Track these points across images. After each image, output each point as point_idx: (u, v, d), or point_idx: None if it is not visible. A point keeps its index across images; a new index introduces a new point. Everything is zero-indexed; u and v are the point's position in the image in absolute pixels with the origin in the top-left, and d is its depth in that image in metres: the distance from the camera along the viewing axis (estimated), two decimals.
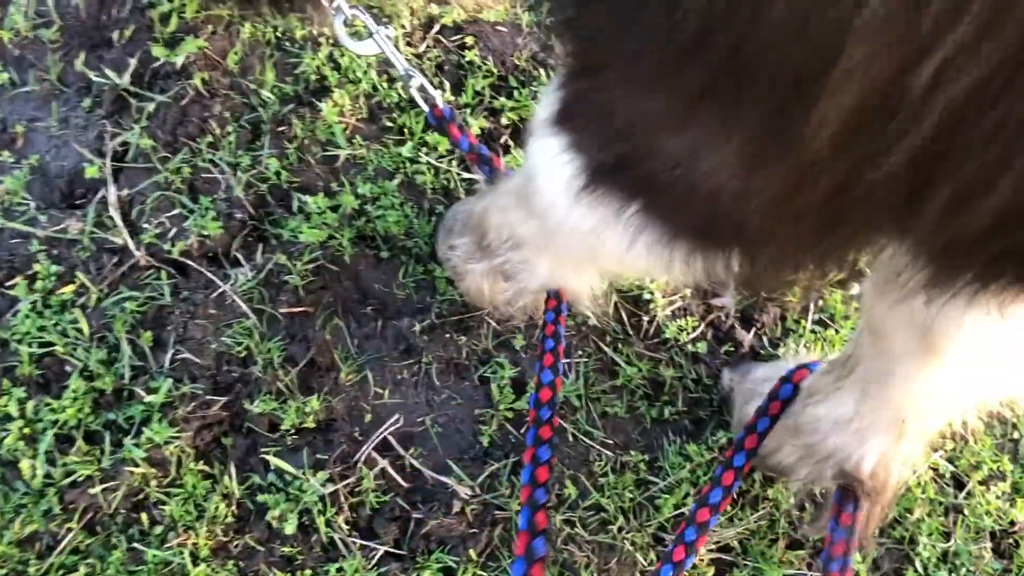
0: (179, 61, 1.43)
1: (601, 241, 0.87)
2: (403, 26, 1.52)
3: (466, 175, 1.43)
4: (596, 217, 0.84)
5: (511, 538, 1.23)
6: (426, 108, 1.32)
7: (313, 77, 1.46)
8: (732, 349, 1.40)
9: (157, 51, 1.43)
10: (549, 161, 0.87)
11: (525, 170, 1.02)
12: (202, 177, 1.37)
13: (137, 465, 1.20)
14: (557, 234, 0.96)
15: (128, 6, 1.48)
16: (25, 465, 1.19)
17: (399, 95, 1.46)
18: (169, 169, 1.36)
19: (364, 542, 1.21)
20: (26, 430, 1.21)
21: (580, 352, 1.37)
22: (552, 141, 0.85)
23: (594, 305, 1.31)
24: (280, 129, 1.42)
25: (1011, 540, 1.36)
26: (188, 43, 1.44)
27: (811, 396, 1.16)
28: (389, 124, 1.44)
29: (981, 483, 1.38)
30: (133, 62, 1.43)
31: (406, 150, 1.42)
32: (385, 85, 1.46)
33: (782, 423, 1.18)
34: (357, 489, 1.23)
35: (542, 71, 1.53)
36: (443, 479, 1.25)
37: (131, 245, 1.32)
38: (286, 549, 1.19)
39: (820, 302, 1.46)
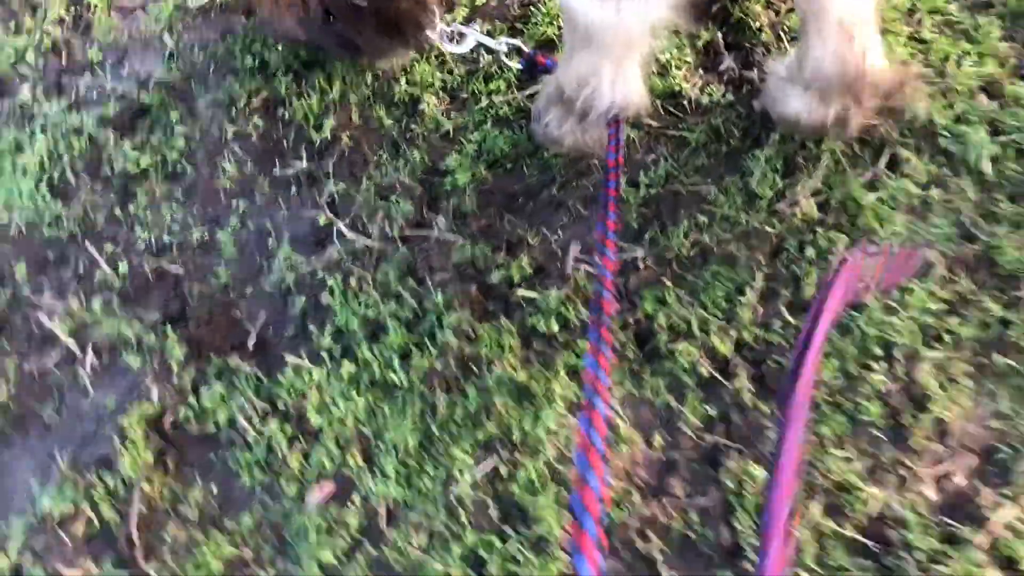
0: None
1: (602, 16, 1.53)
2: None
3: None
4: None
5: None
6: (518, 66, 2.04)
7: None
8: (749, 86, 2.01)
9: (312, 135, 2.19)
10: None
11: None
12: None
13: None
14: (587, 32, 1.63)
15: None
16: None
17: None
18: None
19: None
20: None
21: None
22: None
23: (644, 109, 1.95)
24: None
25: None
26: (327, 123, 2.19)
27: None
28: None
29: None
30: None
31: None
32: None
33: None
34: None
35: None
36: None
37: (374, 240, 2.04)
38: None
39: (785, 27, 2.07)
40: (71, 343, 2.09)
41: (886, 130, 1.89)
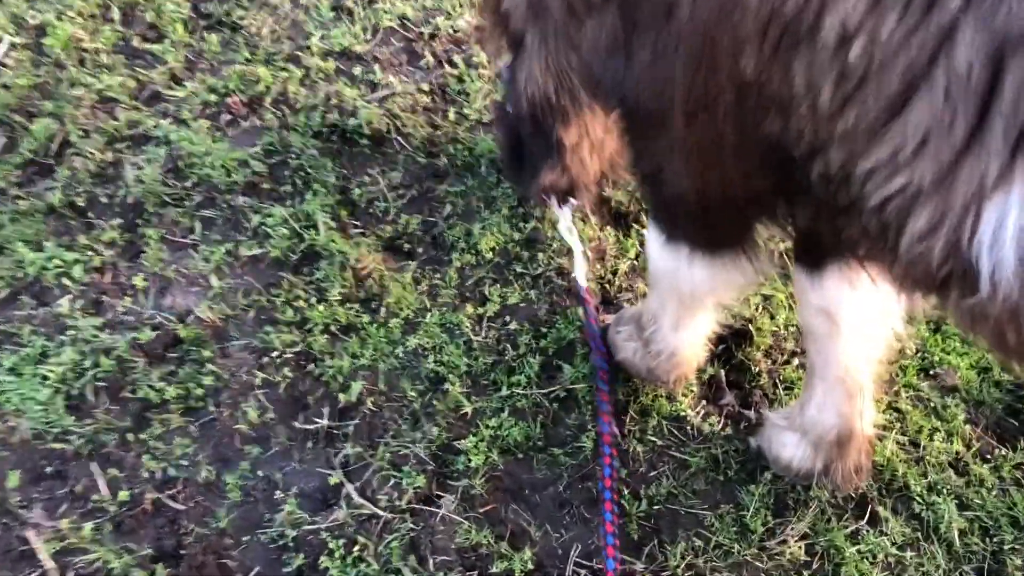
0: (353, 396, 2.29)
1: (677, 272, 1.74)
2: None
3: None
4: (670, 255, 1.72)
5: None
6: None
7: None
8: (747, 424, 2.23)
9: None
10: (650, 239, 1.78)
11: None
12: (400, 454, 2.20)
13: None
14: (660, 279, 1.83)
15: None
16: None
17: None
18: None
19: None
20: None
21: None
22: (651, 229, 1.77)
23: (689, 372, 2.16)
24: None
25: None
26: (355, 386, 2.31)
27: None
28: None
29: None
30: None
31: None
32: None
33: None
34: None
35: None
36: None
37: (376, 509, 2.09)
38: None
39: (780, 377, 2.32)
40: (51, 566, 2.03)
41: (867, 486, 2.10)
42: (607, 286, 2.50)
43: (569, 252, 2.41)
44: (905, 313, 1.80)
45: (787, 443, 2.07)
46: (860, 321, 1.74)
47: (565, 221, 2.33)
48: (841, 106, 1.11)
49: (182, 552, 2.06)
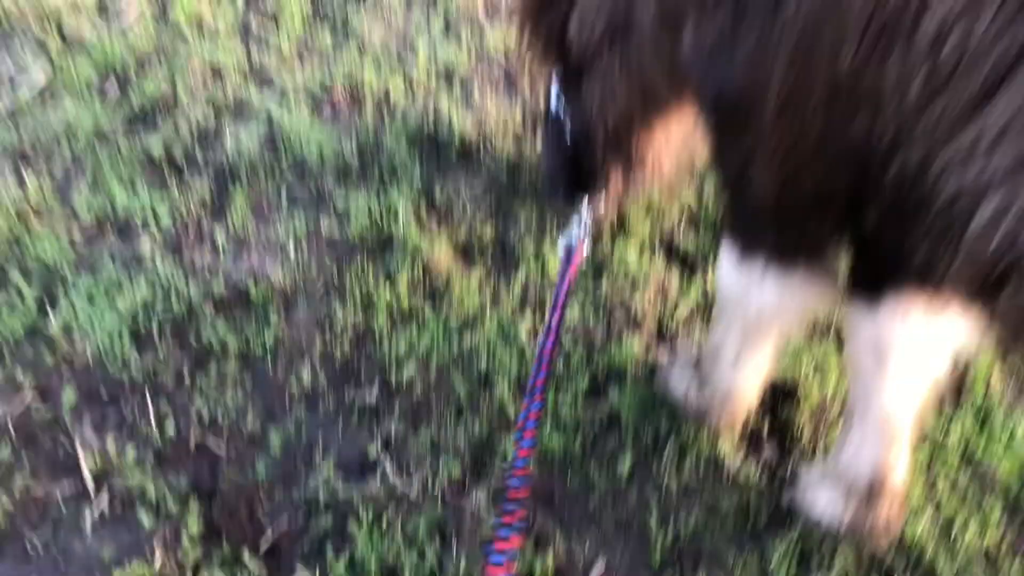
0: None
1: (747, 292, 1.79)
2: None
3: None
4: (742, 274, 1.76)
5: None
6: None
7: None
8: (783, 480, 2.24)
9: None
10: (723, 259, 1.83)
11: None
12: None
13: None
14: (727, 304, 1.87)
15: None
16: None
17: None
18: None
19: None
20: None
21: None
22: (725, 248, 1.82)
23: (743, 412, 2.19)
24: None
25: None
26: (407, 369, 2.37)
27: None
28: None
29: None
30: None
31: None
32: None
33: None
34: None
35: None
36: None
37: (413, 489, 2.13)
38: None
39: (822, 440, 2.34)
40: (89, 480, 2.09)
41: (894, 558, 2.09)
42: (665, 325, 2.55)
43: (629, 280, 2.48)
44: (956, 354, 1.83)
45: (818, 489, 2.08)
46: (909, 359, 1.77)
47: (584, 217, 2.41)
48: (928, 101, 1.19)
49: (216, 494, 2.10)
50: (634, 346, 2.44)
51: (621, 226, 2.68)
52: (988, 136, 1.15)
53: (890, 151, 1.32)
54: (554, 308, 2.06)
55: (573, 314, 2.51)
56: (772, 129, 1.47)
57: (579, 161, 2.32)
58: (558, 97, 2.27)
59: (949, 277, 1.35)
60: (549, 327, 1.99)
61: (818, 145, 1.45)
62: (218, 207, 2.68)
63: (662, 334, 2.54)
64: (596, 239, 2.63)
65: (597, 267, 2.62)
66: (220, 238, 2.59)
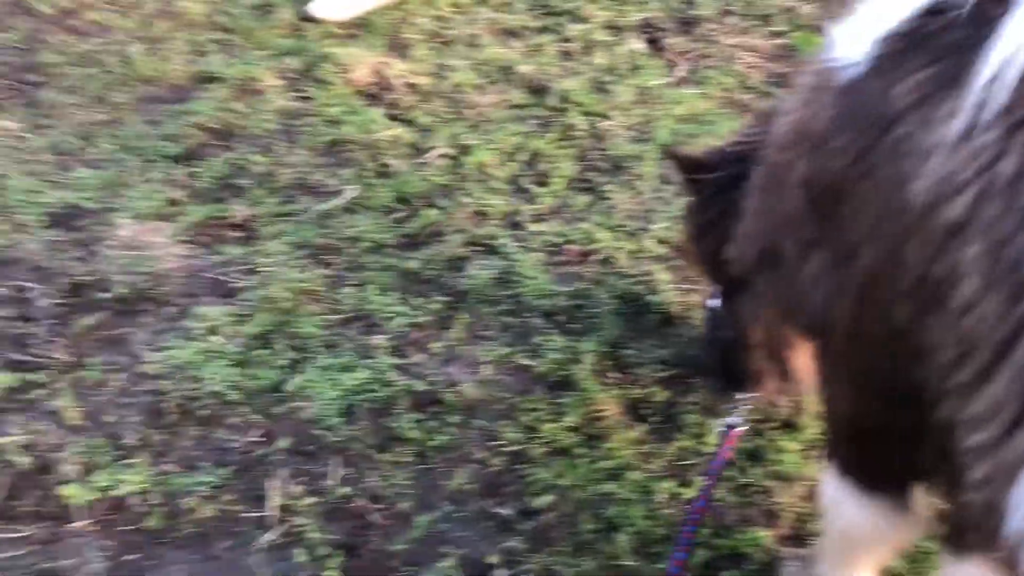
0: None
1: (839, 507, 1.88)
2: None
3: None
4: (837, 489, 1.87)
5: None
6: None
7: None
8: None
9: None
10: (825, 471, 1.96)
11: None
12: None
13: None
14: (825, 514, 1.97)
15: None
16: None
17: None
18: None
19: None
20: None
21: None
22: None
23: None
24: None
25: None
26: (545, 497, 2.64)
27: None
28: None
29: None
30: None
31: None
32: None
33: None
34: None
35: None
36: None
37: None
38: None
39: None
40: (272, 512, 2.58)
41: None
42: (803, 525, 2.59)
43: (781, 474, 2.57)
44: None
45: None
46: None
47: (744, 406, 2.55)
48: (955, 364, 1.31)
49: (359, 553, 2.50)
50: (763, 536, 2.51)
51: (790, 424, 2.78)
52: (990, 407, 1.25)
53: (935, 401, 1.43)
54: (707, 475, 2.36)
55: (718, 491, 2.64)
56: (841, 357, 1.63)
57: (734, 362, 2.53)
58: (718, 302, 2.52)
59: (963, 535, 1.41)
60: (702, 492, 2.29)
61: (883, 380, 1.58)
62: (444, 321, 3.19)
63: (797, 533, 2.58)
64: (759, 430, 2.76)
65: (752, 452, 2.74)
66: (436, 347, 3.08)
